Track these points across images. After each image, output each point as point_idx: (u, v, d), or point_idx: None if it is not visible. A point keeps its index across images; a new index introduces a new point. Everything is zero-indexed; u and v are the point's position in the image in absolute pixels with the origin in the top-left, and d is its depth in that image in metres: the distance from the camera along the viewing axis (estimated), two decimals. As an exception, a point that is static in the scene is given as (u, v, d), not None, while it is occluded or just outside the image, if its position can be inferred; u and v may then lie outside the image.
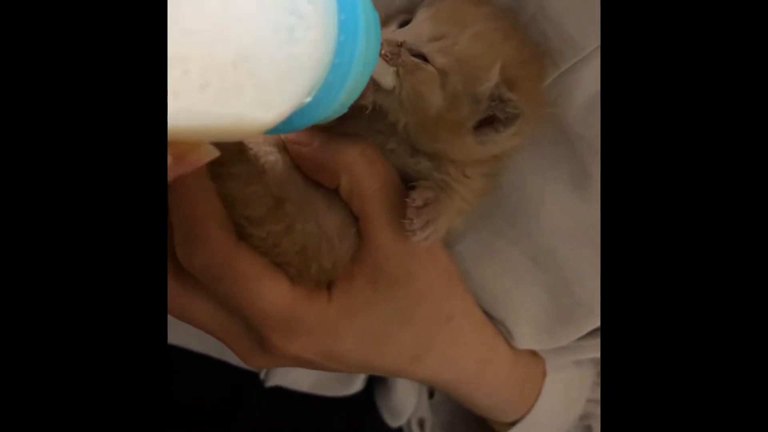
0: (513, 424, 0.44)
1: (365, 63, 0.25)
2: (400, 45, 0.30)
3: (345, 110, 0.26)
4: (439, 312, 0.36)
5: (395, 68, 0.30)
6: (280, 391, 0.53)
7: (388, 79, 0.30)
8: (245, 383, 0.52)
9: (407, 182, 0.33)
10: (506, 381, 0.42)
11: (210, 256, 0.30)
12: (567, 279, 0.37)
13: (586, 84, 0.33)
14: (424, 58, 0.31)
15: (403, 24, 0.32)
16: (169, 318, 0.32)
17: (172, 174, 0.21)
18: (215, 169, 0.31)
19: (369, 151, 0.32)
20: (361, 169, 0.32)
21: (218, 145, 0.30)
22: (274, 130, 0.24)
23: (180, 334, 0.48)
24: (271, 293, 0.31)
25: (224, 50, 0.20)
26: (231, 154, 0.31)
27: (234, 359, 0.51)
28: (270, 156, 0.33)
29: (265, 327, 0.32)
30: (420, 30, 0.31)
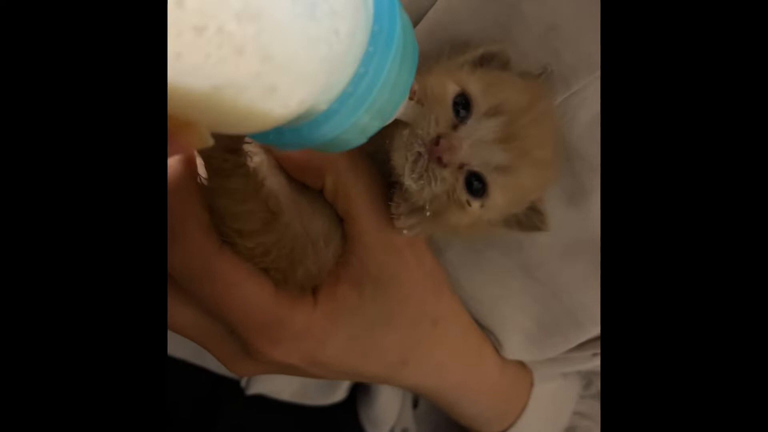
0: None
1: (392, 89, 0.23)
2: (461, 167, 0.29)
3: (363, 140, 0.24)
4: (425, 315, 0.35)
5: (435, 184, 0.29)
6: (260, 399, 0.52)
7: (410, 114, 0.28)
8: (224, 389, 0.51)
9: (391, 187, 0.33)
10: (492, 389, 0.41)
11: (191, 259, 0.29)
12: (557, 291, 0.37)
13: (591, 103, 0.33)
14: (481, 180, 0.29)
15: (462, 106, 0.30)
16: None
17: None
18: (210, 183, 0.30)
19: (353, 152, 0.32)
20: (346, 169, 0.31)
21: (219, 154, 0.29)
22: (283, 139, 0.23)
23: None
24: (255, 298, 0.30)
25: (233, 18, 0.18)
26: (230, 166, 0.29)
27: (214, 365, 0.50)
28: (256, 157, 0.32)
29: (248, 332, 0.31)
30: (488, 153, 0.29)
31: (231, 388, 0.51)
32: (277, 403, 0.52)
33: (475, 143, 0.29)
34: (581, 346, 0.39)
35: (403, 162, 0.29)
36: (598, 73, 0.32)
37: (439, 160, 0.28)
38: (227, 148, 0.29)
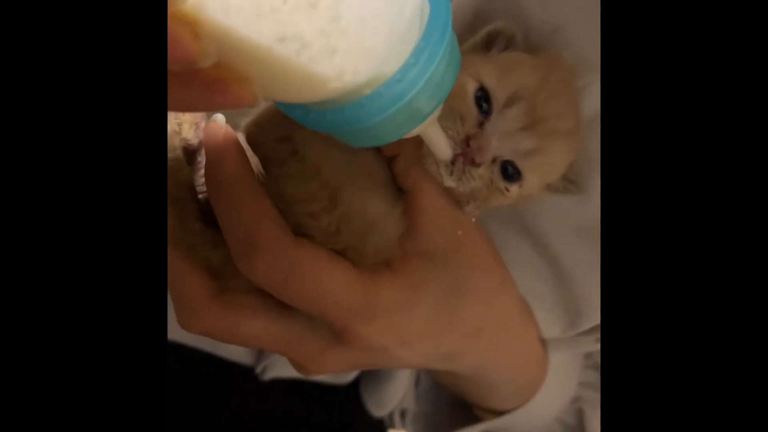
0: (502, 412, 0.45)
1: (435, 88, 0.24)
2: (494, 160, 0.31)
3: (392, 138, 0.25)
4: (491, 280, 0.37)
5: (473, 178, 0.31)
6: (265, 383, 0.52)
7: (446, 151, 0.30)
8: (235, 377, 0.51)
9: None
10: (532, 363, 0.42)
11: (273, 260, 0.29)
12: (564, 276, 0.39)
13: (593, 99, 0.34)
14: (514, 166, 0.31)
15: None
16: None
17: (204, 98, 0.20)
18: (270, 174, 0.31)
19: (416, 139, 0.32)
20: (418, 144, 0.31)
21: (272, 146, 0.30)
22: (325, 118, 0.23)
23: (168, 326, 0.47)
24: (343, 282, 0.30)
25: None
26: (284, 154, 0.31)
27: (225, 352, 0.50)
28: None
29: (343, 317, 0.31)
30: (516, 141, 0.31)
31: (242, 375, 0.51)
32: (281, 386, 0.52)
33: (502, 136, 0.30)
34: (588, 332, 0.41)
35: (435, 169, 0.31)
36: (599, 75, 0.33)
37: (473, 162, 0.30)
38: (279, 138, 0.31)
